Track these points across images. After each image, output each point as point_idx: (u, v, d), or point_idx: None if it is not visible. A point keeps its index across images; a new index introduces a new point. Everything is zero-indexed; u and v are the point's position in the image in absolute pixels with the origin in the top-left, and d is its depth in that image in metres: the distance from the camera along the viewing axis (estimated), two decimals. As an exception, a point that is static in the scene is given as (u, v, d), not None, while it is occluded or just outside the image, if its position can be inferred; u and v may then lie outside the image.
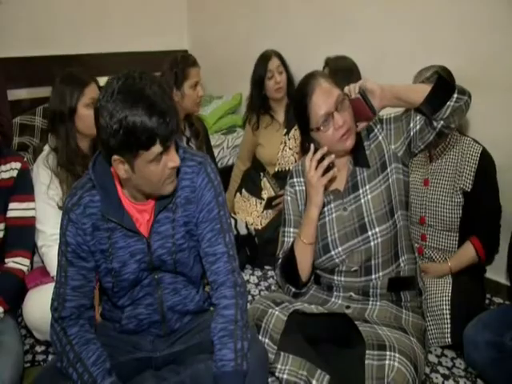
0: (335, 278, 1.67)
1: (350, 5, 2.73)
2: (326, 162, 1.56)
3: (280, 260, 1.73)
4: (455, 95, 1.48)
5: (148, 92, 1.18)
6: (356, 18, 2.69)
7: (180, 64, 2.42)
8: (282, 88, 2.76)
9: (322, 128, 1.56)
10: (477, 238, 1.98)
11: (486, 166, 1.97)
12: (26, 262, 1.86)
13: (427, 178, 2.08)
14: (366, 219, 1.61)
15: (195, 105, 2.51)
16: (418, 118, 1.57)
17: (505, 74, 2.12)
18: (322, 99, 1.55)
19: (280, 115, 2.85)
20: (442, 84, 1.51)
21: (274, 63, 2.74)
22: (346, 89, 1.58)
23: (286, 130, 2.79)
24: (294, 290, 1.68)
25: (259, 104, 2.84)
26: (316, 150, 1.59)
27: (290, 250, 1.68)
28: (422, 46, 2.39)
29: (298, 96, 1.63)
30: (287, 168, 2.78)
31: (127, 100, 1.16)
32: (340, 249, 1.63)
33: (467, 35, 2.21)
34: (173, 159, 1.27)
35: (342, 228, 1.64)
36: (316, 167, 1.58)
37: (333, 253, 1.64)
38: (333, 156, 1.56)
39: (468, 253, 2.00)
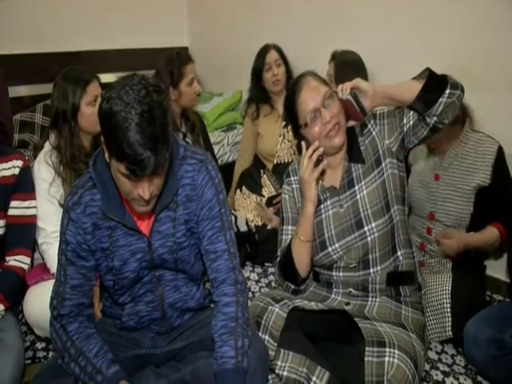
0: (334, 273, 1.67)
1: (351, 2, 2.73)
2: (314, 156, 1.58)
3: (278, 258, 1.73)
4: (447, 91, 1.48)
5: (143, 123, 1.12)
6: (357, 16, 2.69)
7: (175, 62, 2.41)
8: (280, 81, 2.79)
9: (309, 124, 1.58)
10: (499, 223, 1.93)
11: (503, 159, 1.95)
12: (27, 260, 1.87)
13: (438, 174, 2.05)
14: (362, 214, 1.61)
15: (193, 100, 2.51)
16: (411, 113, 1.57)
17: (505, 72, 2.11)
18: (310, 96, 1.58)
19: (279, 106, 2.86)
20: (434, 80, 1.50)
21: (272, 56, 2.79)
22: (339, 87, 1.58)
23: (284, 123, 2.80)
24: (293, 287, 1.69)
25: (258, 96, 2.89)
26: (307, 148, 1.61)
27: (287, 248, 1.68)
28: (423, 44, 2.38)
29: (288, 95, 1.68)
30: (286, 160, 2.81)
31: (129, 101, 1.12)
32: (337, 245, 1.64)
33: (468, 34, 2.21)
34: (143, 189, 1.20)
35: (339, 225, 1.65)
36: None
37: (330, 249, 1.64)
38: (321, 149, 1.58)
39: (491, 232, 1.94)
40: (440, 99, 1.48)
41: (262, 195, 2.85)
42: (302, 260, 1.65)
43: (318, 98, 1.57)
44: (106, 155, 1.22)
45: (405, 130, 1.59)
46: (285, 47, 2.83)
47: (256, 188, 2.89)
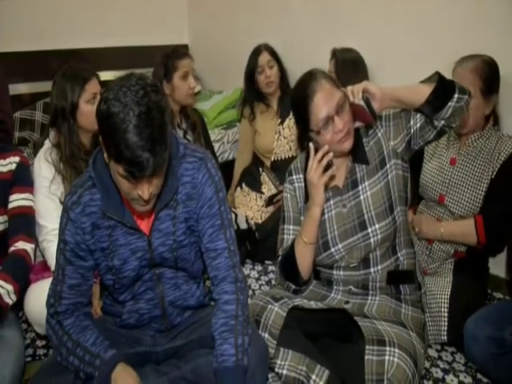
0: (334, 272, 1.67)
1: (351, 2, 2.73)
2: (324, 161, 1.55)
3: (280, 258, 1.72)
4: (456, 95, 1.48)
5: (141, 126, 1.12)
6: (357, 15, 2.69)
7: (170, 57, 2.41)
8: (273, 82, 2.82)
9: (322, 131, 1.55)
10: (481, 218, 1.90)
11: None
12: (28, 245, 1.84)
13: (454, 158, 2.02)
14: (366, 216, 1.61)
15: (188, 97, 2.47)
16: (418, 116, 1.57)
17: (505, 72, 2.11)
18: (323, 102, 1.52)
19: (274, 104, 2.90)
20: (443, 84, 1.50)
21: (264, 58, 2.80)
22: (349, 89, 1.55)
23: (279, 120, 2.84)
24: (294, 287, 1.68)
25: (253, 96, 2.92)
26: (315, 149, 1.59)
27: (290, 249, 1.67)
28: (423, 44, 2.38)
29: (299, 96, 1.59)
30: (283, 157, 2.84)
31: (126, 103, 1.12)
32: (340, 246, 1.63)
33: (468, 34, 2.21)
34: (142, 190, 1.20)
35: (342, 225, 1.64)
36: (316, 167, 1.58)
37: (332, 250, 1.64)
38: (331, 154, 1.55)
39: (467, 224, 1.92)
40: (449, 103, 1.48)
41: (261, 192, 2.86)
42: (304, 262, 1.64)
43: (332, 104, 1.52)
44: (105, 155, 1.22)
45: (411, 132, 1.59)
46: (285, 47, 2.84)
47: (256, 185, 2.90)
